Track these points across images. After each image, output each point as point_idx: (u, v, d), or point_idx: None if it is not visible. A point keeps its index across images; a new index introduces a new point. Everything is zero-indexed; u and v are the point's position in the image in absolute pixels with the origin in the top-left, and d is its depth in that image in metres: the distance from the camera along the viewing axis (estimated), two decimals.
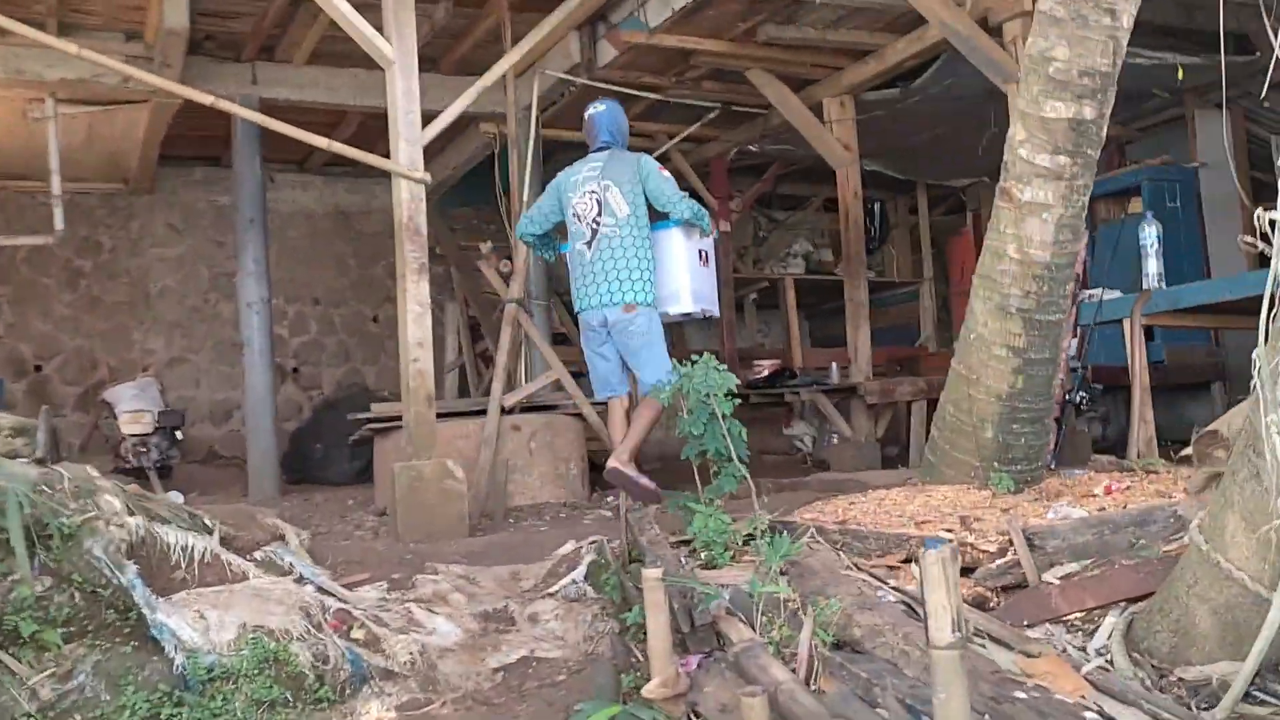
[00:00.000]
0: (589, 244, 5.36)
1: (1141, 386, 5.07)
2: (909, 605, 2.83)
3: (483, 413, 6.47)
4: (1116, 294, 5.91)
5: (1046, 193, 3.95)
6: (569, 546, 4.52)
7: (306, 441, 8.93)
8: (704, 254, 5.61)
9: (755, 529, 3.51)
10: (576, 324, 10.12)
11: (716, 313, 5.90)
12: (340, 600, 3.99)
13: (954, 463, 4.30)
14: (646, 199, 5.35)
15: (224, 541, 4.14)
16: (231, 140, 7.96)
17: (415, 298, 5.26)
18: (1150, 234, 5.48)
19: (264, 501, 7.23)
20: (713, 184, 9.37)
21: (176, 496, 6.84)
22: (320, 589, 4.10)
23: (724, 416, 4.05)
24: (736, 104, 8.28)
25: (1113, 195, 8.53)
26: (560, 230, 5.73)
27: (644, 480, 5.29)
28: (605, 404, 5.74)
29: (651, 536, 3.72)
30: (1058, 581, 2.84)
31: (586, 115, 5.61)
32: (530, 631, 3.98)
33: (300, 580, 4.15)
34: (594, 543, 4.42)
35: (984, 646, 2.48)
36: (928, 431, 8.58)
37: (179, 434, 8.07)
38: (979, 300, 4.24)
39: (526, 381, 6.93)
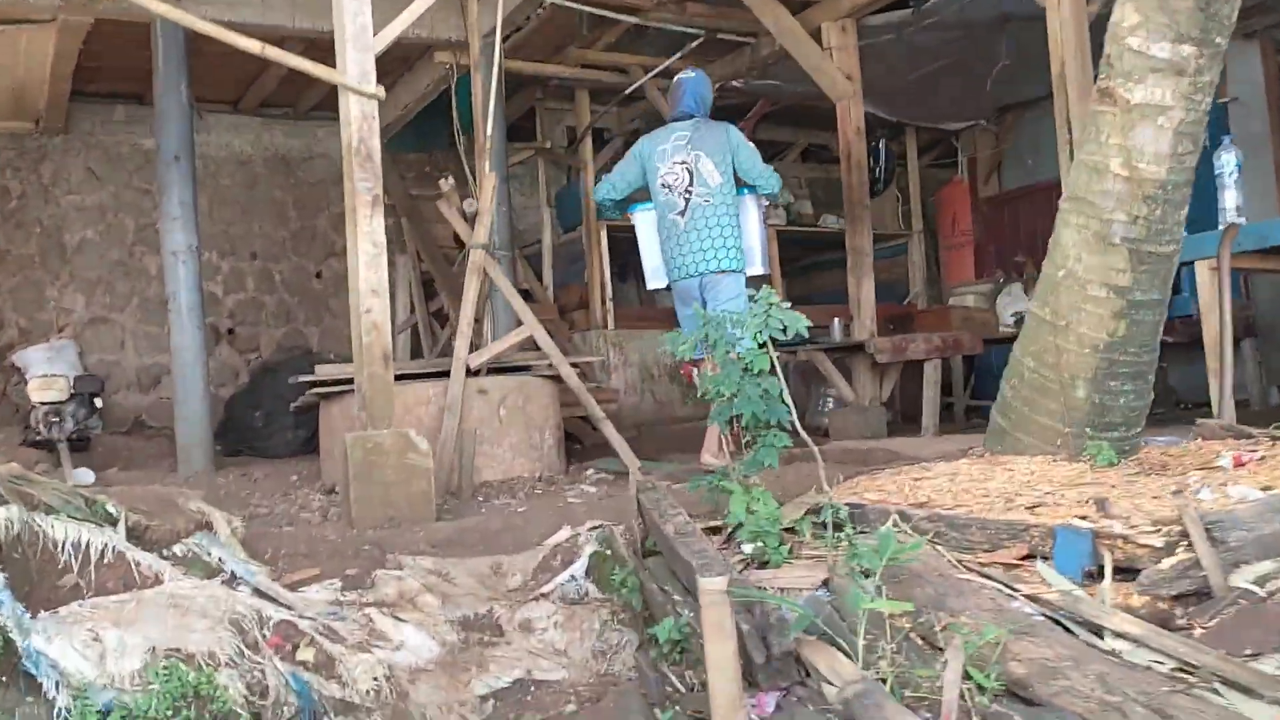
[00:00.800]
0: (682, 214, 5.49)
1: (1222, 338, 4.33)
2: (1064, 626, 2.09)
3: (444, 375, 5.64)
4: None
5: (1164, 92, 3.20)
6: (563, 534, 3.72)
7: (244, 409, 8.02)
8: (765, 216, 5.98)
9: (823, 513, 2.75)
10: (540, 279, 9.32)
11: (765, 270, 5.98)
12: (283, 607, 3.17)
13: (1034, 428, 3.55)
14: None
15: (134, 534, 3.29)
16: (154, 72, 6.99)
17: (368, 236, 4.40)
18: (1229, 161, 4.75)
19: (195, 478, 6.35)
20: None
21: (85, 475, 5.95)
22: (257, 591, 3.27)
23: (773, 368, 3.26)
24: (723, 31, 7.45)
25: None
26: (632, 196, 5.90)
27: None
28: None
29: (679, 525, 2.93)
30: (1263, 592, 2.10)
31: (675, 80, 5.83)
32: (523, 644, 3.19)
33: (232, 581, 3.32)
34: (595, 529, 3.63)
35: (1218, 693, 1.74)
36: (943, 392, 7.94)
37: (98, 402, 7.14)
38: (1070, 229, 3.48)
39: (492, 340, 6.10)
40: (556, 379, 5.92)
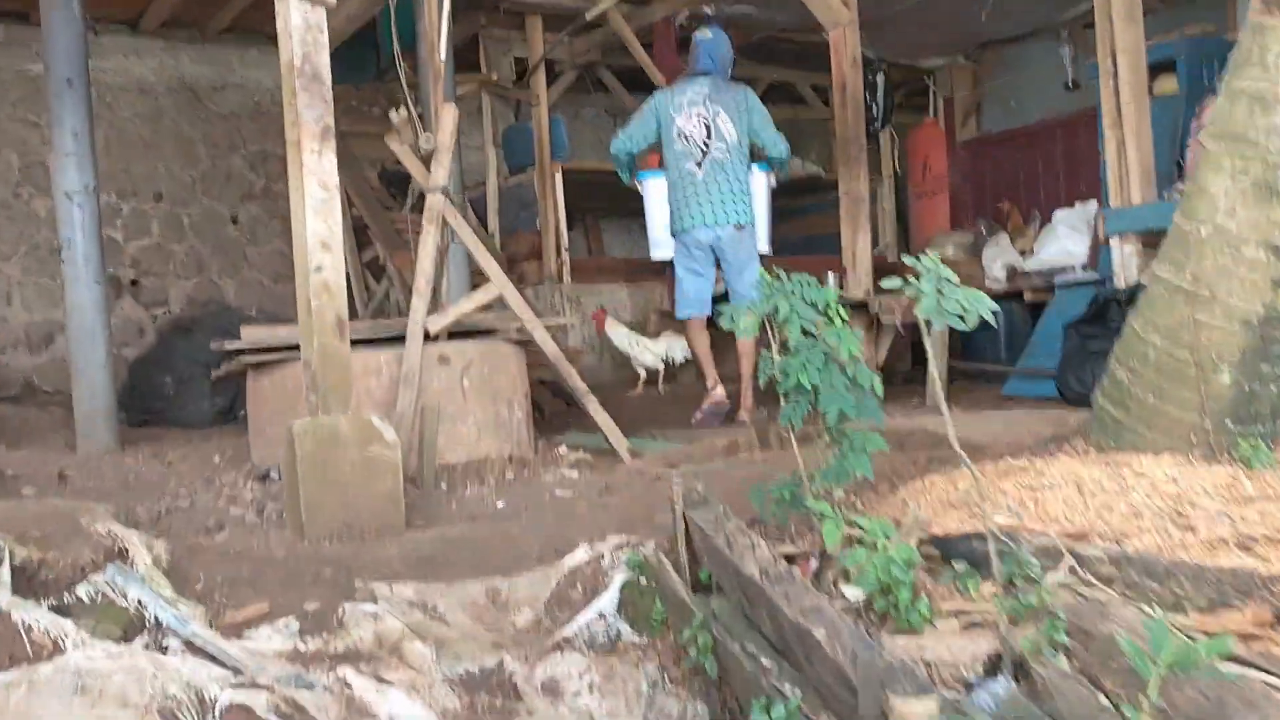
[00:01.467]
0: (699, 164, 5.58)
1: None
2: None
3: (397, 340, 4.82)
4: None
5: None
6: (580, 554, 2.98)
7: (152, 373, 7.04)
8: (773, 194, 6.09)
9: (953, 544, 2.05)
10: (485, 226, 8.46)
11: (770, 251, 6.04)
12: (228, 669, 2.38)
13: (1161, 421, 2.89)
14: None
15: (23, 575, 2.47)
16: None
17: (317, 176, 3.56)
18: None
19: (98, 456, 5.45)
20: (657, 55, 7.73)
21: None
22: (191, 646, 2.48)
23: (852, 358, 2.55)
24: None
25: None
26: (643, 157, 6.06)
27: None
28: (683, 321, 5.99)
29: (765, 563, 2.20)
30: None
31: (694, 39, 5.84)
32: (550, 714, 2.45)
33: (157, 634, 2.51)
34: (622, 547, 2.90)
35: None
36: (966, 359, 7.31)
37: None
38: (1219, 175, 2.79)
39: (446, 298, 5.27)
40: (525, 342, 5.14)
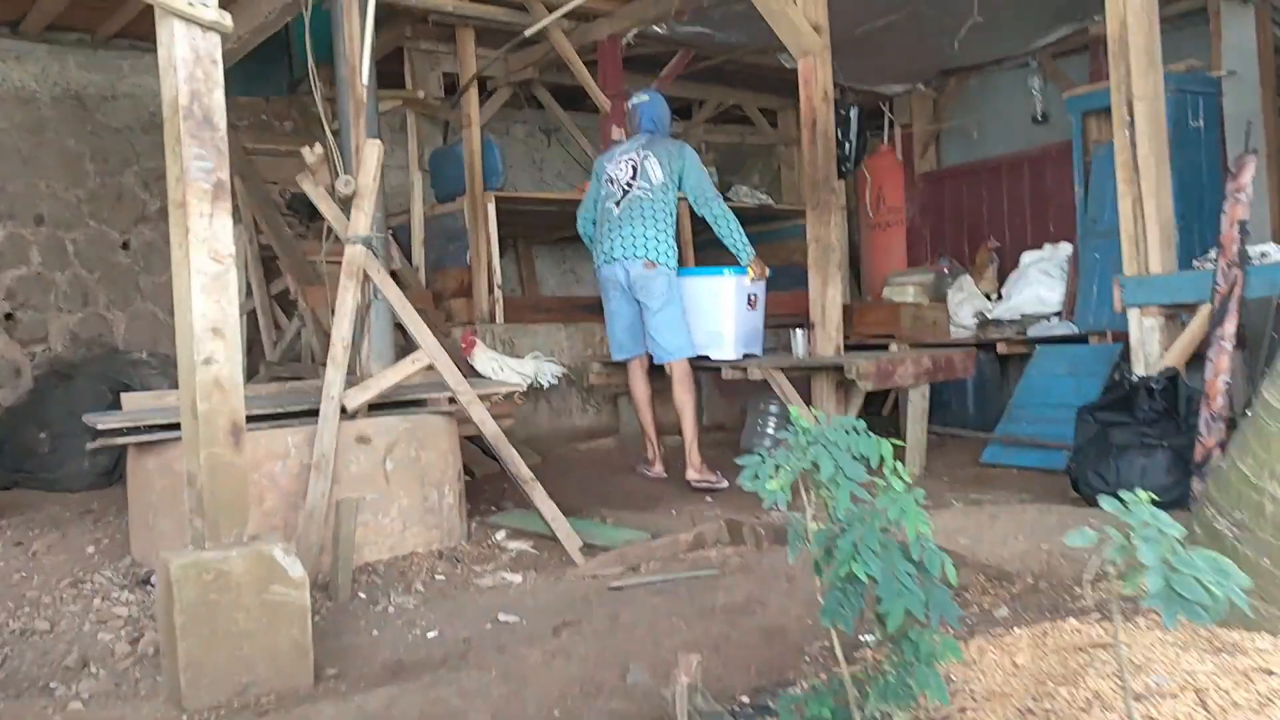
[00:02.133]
0: (618, 203, 5.55)
1: None
2: None
3: (308, 415, 4.09)
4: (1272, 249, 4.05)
5: None
6: None
7: (24, 426, 6.15)
8: (753, 298, 5.82)
9: None
10: (410, 259, 7.72)
11: (759, 352, 5.96)
12: None
13: None
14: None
15: None
16: None
17: (208, 245, 2.84)
18: None
19: None
20: (602, 75, 7.07)
21: None
22: None
23: (920, 542, 1.93)
24: None
25: (1108, 110, 6.73)
26: None
27: (722, 483, 5.37)
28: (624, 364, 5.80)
29: None
30: None
31: (629, 106, 5.86)
32: None
33: None
34: None
35: None
36: (931, 419, 6.74)
37: None
38: None
39: (366, 363, 4.55)
40: (455, 413, 4.45)
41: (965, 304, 7.09)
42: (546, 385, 6.48)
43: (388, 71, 7.69)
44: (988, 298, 6.92)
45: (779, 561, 3.76)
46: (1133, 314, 4.18)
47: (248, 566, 2.80)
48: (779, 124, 9.42)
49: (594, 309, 7.08)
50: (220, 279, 2.86)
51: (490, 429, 4.19)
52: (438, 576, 4.08)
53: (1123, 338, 5.99)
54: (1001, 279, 7.25)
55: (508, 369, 6.22)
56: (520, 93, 8.15)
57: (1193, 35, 6.96)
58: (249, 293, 7.39)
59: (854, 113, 7.51)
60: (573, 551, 4.06)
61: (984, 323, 6.79)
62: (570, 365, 7.19)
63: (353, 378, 4.29)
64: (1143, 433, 3.80)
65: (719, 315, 5.69)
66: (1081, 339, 6.15)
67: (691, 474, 5.44)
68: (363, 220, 4.15)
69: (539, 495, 4.15)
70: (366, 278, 4.21)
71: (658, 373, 5.71)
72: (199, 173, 2.82)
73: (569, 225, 8.41)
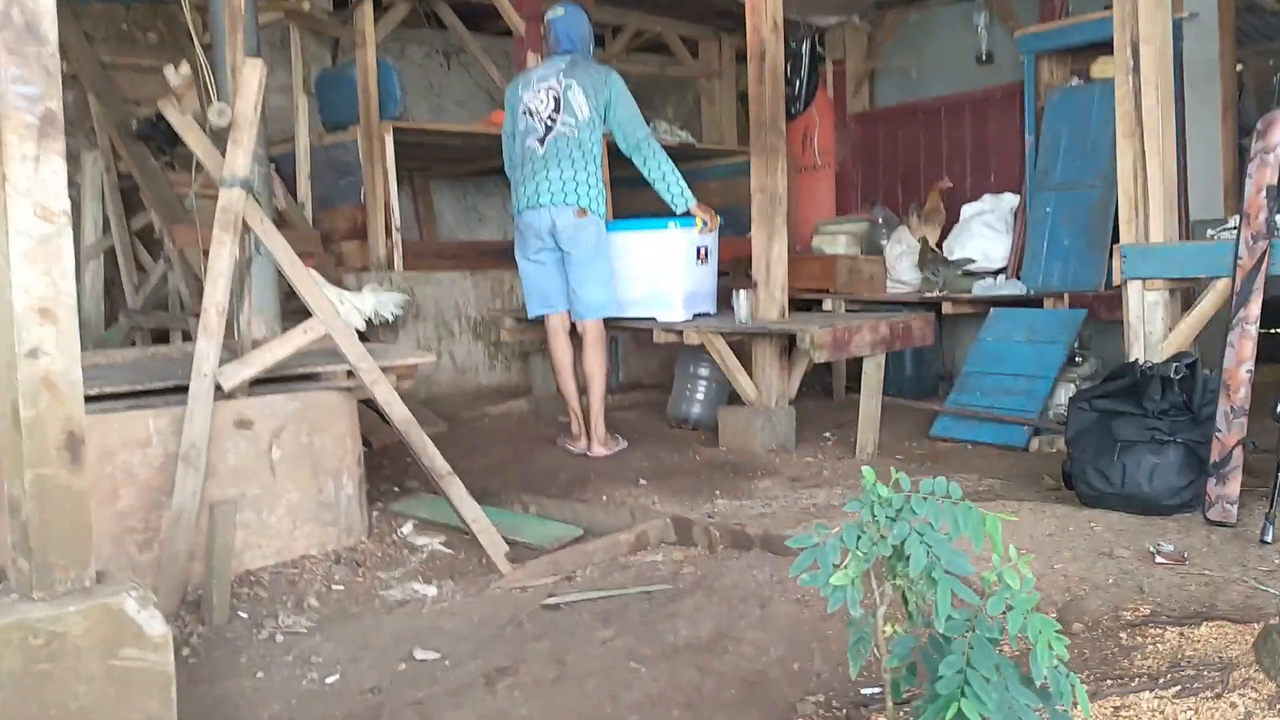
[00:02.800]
0: (541, 140, 4.90)
1: None
2: None
3: (176, 392, 3.38)
4: None
5: None
6: None
7: None
8: (703, 251, 5.26)
9: None
10: (294, 195, 6.90)
11: (713, 311, 5.42)
12: None
13: None
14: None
15: None
16: None
17: (33, 199, 2.11)
18: None
19: None
20: None
21: None
22: None
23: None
24: None
25: (1064, 51, 6.28)
26: None
27: (621, 444, 5.09)
28: (541, 321, 5.17)
29: None
30: None
31: (546, 19, 5.15)
32: None
33: None
34: None
35: None
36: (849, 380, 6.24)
37: None
38: None
39: (247, 330, 3.82)
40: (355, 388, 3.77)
41: (904, 257, 6.61)
42: (390, 319, 5.79)
43: None
44: (936, 250, 6.43)
45: (741, 576, 3.23)
46: (1133, 287, 3.70)
47: (90, 625, 2.12)
48: (700, 54, 8.77)
49: (503, 255, 6.43)
50: (50, 244, 2.13)
51: (399, 413, 3.53)
52: (335, 587, 3.44)
53: (1081, 301, 5.58)
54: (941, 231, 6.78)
55: (347, 305, 5.51)
56: (420, 8, 7.32)
57: None
58: (106, 228, 6.52)
59: (804, 47, 6.88)
60: (497, 559, 3.45)
61: (941, 279, 6.29)
62: (478, 317, 6.53)
63: (231, 344, 3.58)
64: (1152, 426, 3.34)
65: (665, 274, 5.11)
66: (1035, 301, 5.72)
67: (596, 448, 5.00)
68: (241, 158, 3.41)
69: (457, 493, 3.52)
70: (246, 228, 3.48)
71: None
72: (20, 101, 2.08)
73: (473, 159, 7.69)
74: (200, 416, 3.29)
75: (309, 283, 3.51)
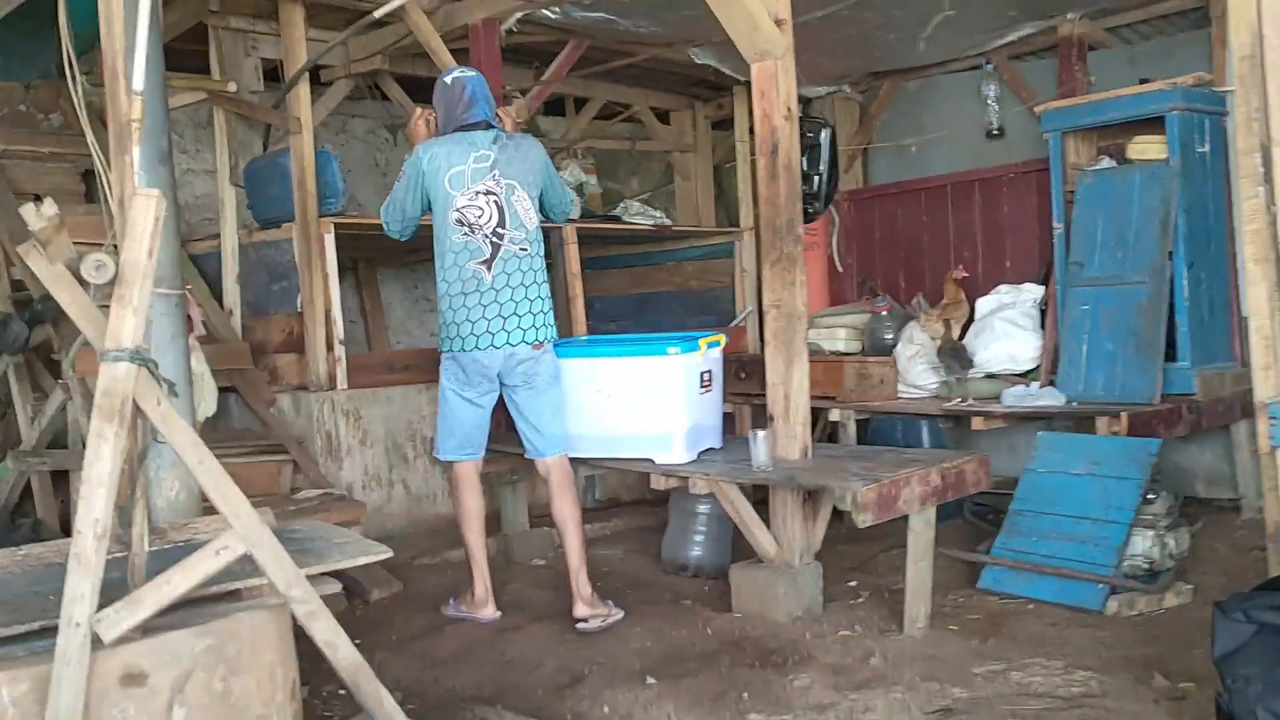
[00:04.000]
0: (487, 264, 4.08)
1: None
2: None
3: (40, 637, 2.49)
4: None
5: None
6: None
7: None
8: (707, 377, 4.45)
9: None
10: (220, 301, 6.02)
11: (719, 444, 4.61)
12: None
13: None
14: None
15: None
16: None
17: None
18: None
19: None
20: (476, 66, 5.49)
21: None
22: None
23: None
24: None
25: (1092, 129, 5.58)
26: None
27: (616, 613, 4.24)
28: (451, 465, 4.42)
29: None
30: None
31: (449, 79, 4.25)
32: None
33: None
34: None
35: None
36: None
37: None
38: None
39: (140, 543, 2.93)
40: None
41: (918, 359, 5.84)
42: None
43: (187, 53, 5.95)
44: (960, 345, 5.67)
45: None
46: None
47: None
48: (672, 122, 8.05)
49: None
50: None
51: (345, 658, 2.66)
52: None
53: (1141, 422, 4.84)
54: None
55: (206, 386, 4.57)
56: (363, 84, 6.51)
57: (1186, 41, 5.86)
58: None
59: (825, 135, 6.10)
60: None
61: (959, 390, 5.53)
62: (434, 437, 5.67)
63: (117, 557, 2.69)
64: None
65: (663, 408, 4.32)
66: (1087, 418, 4.96)
67: (581, 609, 4.19)
68: (130, 322, 2.54)
69: None
70: (139, 411, 2.60)
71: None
72: None
73: (423, 246, 6.85)
74: (72, 683, 2.41)
75: (228, 485, 2.63)
